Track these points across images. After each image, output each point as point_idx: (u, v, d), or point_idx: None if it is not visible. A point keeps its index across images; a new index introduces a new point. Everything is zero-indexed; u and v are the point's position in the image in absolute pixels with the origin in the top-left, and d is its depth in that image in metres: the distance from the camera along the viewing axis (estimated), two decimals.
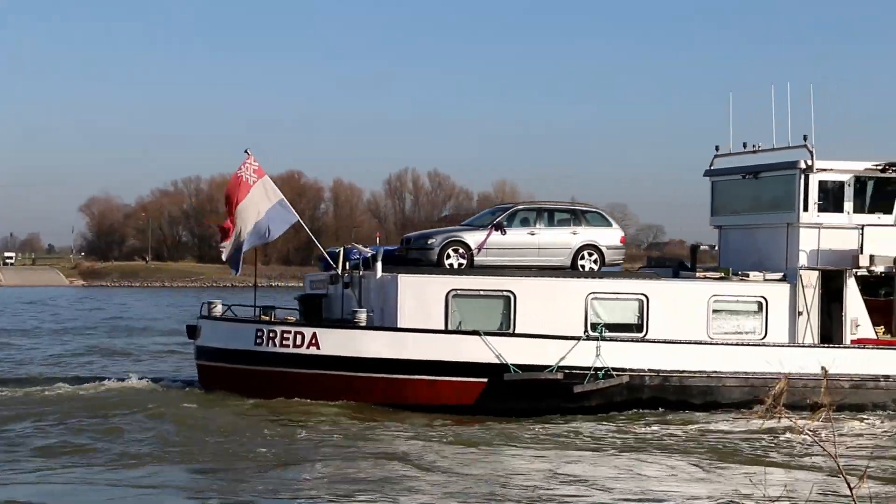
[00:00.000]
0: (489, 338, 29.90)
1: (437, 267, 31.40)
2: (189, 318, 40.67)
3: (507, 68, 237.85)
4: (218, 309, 32.65)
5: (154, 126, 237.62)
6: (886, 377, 30.86)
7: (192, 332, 32.89)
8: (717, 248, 36.02)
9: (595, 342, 30.11)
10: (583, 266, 32.04)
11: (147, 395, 31.16)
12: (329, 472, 22.48)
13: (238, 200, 31.57)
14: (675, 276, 33.52)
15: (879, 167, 32.53)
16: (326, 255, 32.55)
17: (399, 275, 30.78)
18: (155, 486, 20.95)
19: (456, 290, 30.61)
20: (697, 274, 33.01)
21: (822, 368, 9.56)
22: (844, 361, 30.62)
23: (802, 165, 32.16)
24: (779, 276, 32.09)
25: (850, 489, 8.07)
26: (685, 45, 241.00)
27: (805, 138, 32.36)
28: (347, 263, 32.31)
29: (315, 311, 32.68)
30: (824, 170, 32.27)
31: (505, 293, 30.70)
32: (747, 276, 32.16)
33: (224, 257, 31.67)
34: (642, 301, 31.07)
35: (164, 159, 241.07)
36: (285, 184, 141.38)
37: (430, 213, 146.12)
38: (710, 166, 35.66)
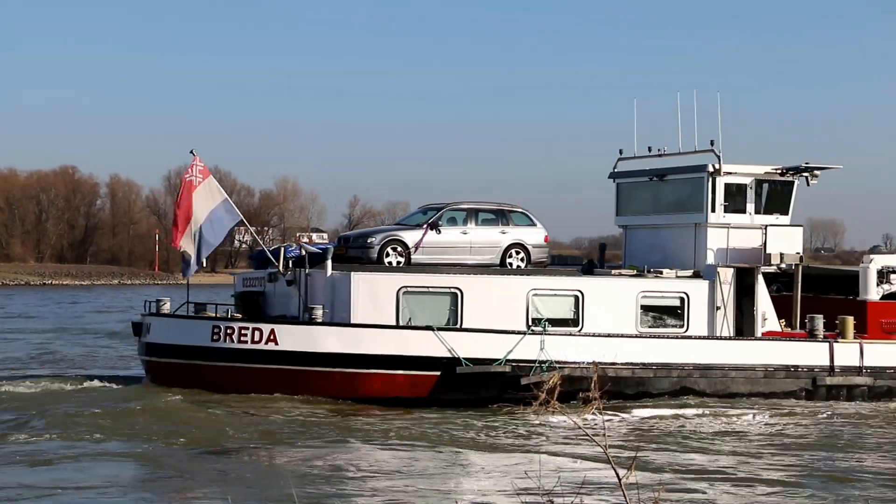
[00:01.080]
0: (442, 333, 31.52)
1: (376, 264, 32.85)
2: None
3: (303, 62, 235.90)
4: (167, 306, 33.39)
5: None
6: (796, 367, 33.60)
7: (138, 329, 33.51)
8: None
9: (539, 336, 32.00)
10: (510, 264, 33.98)
11: (111, 393, 31.76)
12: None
13: (188, 203, 32.34)
14: (588, 273, 35.65)
15: (778, 171, 35.42)
16: (270, 254, 33.56)
17: (352, 272, 32.10)
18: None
19: (406, 286, 32.13)
20: (613, 272, 35.28)
21: (593, 363, 9.00)
22: (759, 352, 33.37)
23: (710, 169, 34.74)
24: (689, 273, 34.60)
25: (619, 479, 8.00)
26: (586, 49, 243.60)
27: (712, 143, 34.96)
28: (290, 262, 33.41)
29: (254, 308, 33.69)
30: (729, 173, 34.94)
31: (453, 290, 32.36)
32: (661, 273, 34.57)
33: (185, 257, 32.46)
34: (578, 297, 33.15)
35: None
36: (59, 179, 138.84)
37: None
38: (614, 169, 37.96)
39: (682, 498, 20.49)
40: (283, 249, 33.91)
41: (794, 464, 24.72)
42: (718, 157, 34.73)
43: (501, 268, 33.64)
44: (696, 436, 28.15)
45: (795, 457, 25.53)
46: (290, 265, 33.27)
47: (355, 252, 33.34)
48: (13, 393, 31.46)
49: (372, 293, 32.05)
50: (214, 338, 31.88)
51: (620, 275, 34.72)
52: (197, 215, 32.35)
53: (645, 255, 36.41)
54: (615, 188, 37.99)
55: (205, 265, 33.28)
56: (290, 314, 32.93)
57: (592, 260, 37.53)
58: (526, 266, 34.03)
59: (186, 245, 32.23)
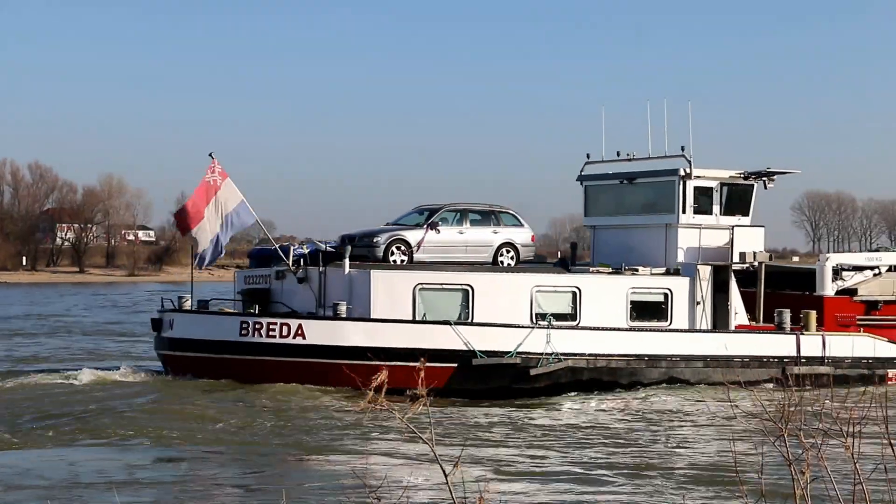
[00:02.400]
0: (458, 327, 33.44)
1: (382, 263, 34.59)
2: None
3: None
4: (188, 304, 34.48)
5: None
6: (768, 358, 36.50)
7: (158, 324, 34.53)
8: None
9: (545, 330, 34.19)
10: (502, 262, 36.12)
11: (137, 386, 32.70)
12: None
13: (203, 202, 33.61)
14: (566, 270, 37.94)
15: (742, 175, 38.33)
16: (282, 254, 34.95)
17: (371, 270, 33.76)
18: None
19: (422, 283, 33.94)
20: (591, 269, 37.68)
21: (421, 359, 8.59)
22: (735, 344, 36.21)
23: (682, 173, 37.45)
24: (661, 270, 37.24)
25: (445, 475, 7.79)
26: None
27: (683, 149, 37.65)
28: (299, 260, 34.88)
29: (262, 304, 35.08)
30: (698, 177, 37.71)
31: (464, 286, 34.29)
32: (636, 270, 37.12)
33: (200, 252, 33.67)
34: (576, 293, 35.44)
35: None
36: None
37: (32, 207, 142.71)
38: (581, 172, 40.38)
39: (509, 492, 20.46)
40: (291, 249, 35.32)
41: (613, 460, 24.56)
42: (689, 161, 37.38)
43: (506, 266, 35.69)
44: (541, 432, 28.28)
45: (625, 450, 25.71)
46: (302, 263, 34.73)
47: (361, 251, 34.90)
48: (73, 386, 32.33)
49: (390, 290, 33.74)
50: (243, 332, 33.14)
51: (598, 272, 37.07)
52: (218, 214, 33.63)
53: (613, 253, 38.77)
54: (583, 190, 40.35)
55: (222, 256, 34.53)
56: (304, 310, 34.32)
57: (565, 258, 39.82)
58: (516, 264, 36.17)
59: (200, 238, 33.45)
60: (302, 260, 34.86)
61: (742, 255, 36.88)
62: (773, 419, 8.90)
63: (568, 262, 39.04)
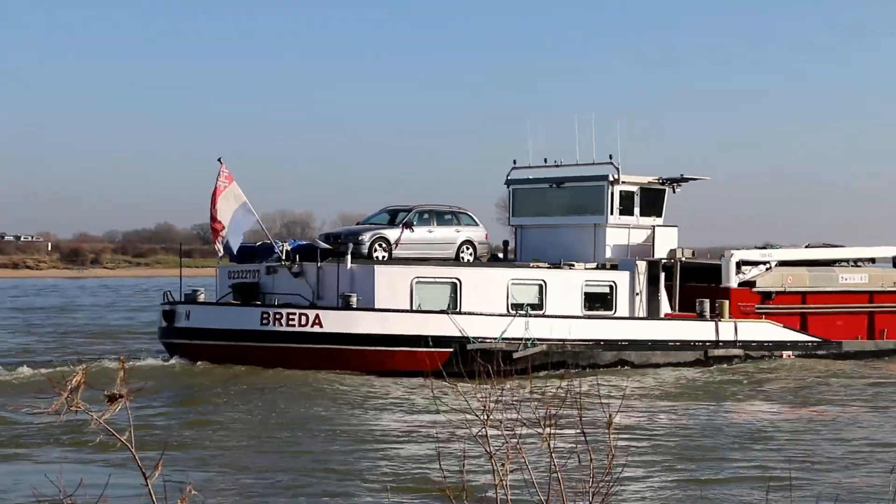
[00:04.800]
0: (454, 316, 36.84)
1: (367, 259, 37.65)
2: None
3: None
4: (202, 296, 36.57)
5: None
6: (693, 342, 41.34)
7: (170, 315, 36.40)
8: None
9: (524, 318, 37.97)
10: (462, 258, 39.72)
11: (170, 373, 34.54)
12: None
13: (216, 204, 36.02)
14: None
15: (658, 180, 43.17)
16: (279, 250, 37.46)
17: (374, 265, 36.82)
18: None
19: (419, 277, 37.18)
20: (531, 264, 41.62)
21: (120, 358, 8.13)
22: (668, 330, 40.94)
23: (611, 178, 41.98)
24: (594, 265, 41.59)
25: (145, 478, 7.36)
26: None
27: (611, 157, 42.20)
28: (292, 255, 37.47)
29: (253, 297, 37.50)
30: (624, 182, 42.31)
31: (454, 279, 37.70)
32: (572, 265, 41.33)
33: (220, 251, 36.02)
34: (542, 285, 39.35)
35: None
36: None
37: None
38: (508, 176, 44.30)
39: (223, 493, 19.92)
40: (283, 245, 37.87)
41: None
42: (617, 168, 41.94)
43: (488, 261, 39.34)
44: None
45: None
46: (297, 259, 37.37)
47: (347, 248, 37.75)
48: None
49: (390, 283, 36.82)
50: (264, 322, 35.51)
51: (537, 267, 41.06)
52: (222, 215, 35.94)
53: (540, 251, 42.86)
54: (510, 193, 44.28)
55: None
56: (300, 303, 36.86)
57: (497, 255, 43.64)
58: (473, 260, 39.81)
59: (223, 240, 35.85)
60: (297, 256, 37.38)
61: (672, 252, 41.63)
62: (476, 413, 9.16)
63: (499, 258, 42.95)
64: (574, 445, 9.29)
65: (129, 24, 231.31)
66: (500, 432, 9.06)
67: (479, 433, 8.94)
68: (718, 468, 22.32)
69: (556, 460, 8.82)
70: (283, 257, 37.40)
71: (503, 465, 8.87)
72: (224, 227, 35.89)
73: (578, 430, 9.01)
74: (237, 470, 22.02)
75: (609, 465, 8.91)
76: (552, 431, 8.92)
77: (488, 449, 8.81)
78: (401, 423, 27.92)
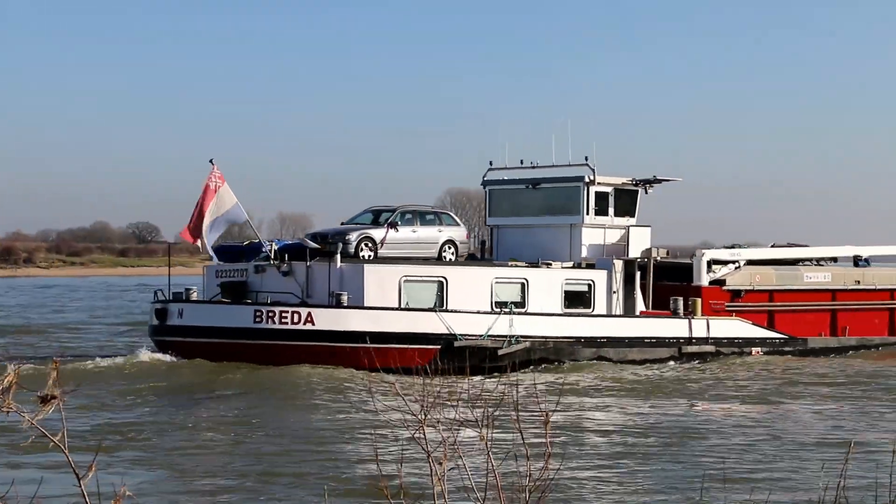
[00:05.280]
0: (442, 314, 37.64)
1: (353, 258, 38.36)
2: None
3: None
4: (195, 295, 37.08)
5: None
6: (668, 338, 42.44)
7: (162, 313, 36.88)
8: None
9: (508, 316, 38.84)
10: (444, 257, 40.57)
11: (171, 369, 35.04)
12: None
13: (207, 202, 36.60)
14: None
15: (632, 181, 44.23)
16: (267, 250, 38.08)
17: (364, 265, 37.55)
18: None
19: (407, 275, 37.95)
20: (510, 263, 42.49)
21: (53, 360, 7.34)
22: (644, 327, 41.99)
23: (587, 179, 42.97)
24: (570, 264, 42.56)
25: (78, 479, 7.11)
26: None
27: (587, 159, 43.20)
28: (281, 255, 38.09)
29: (242, 296, 38.11)
30: (599, 183, 43.32)
31: (440, 278, 38.51)
32: (549, 264, 42.26)
33: (202, 247, 36.63)
34: (524, 284, 40.24)
35: None
36: None
37: None
38: (484, 177, 45.18)
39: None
40: (271, 245, 38.50)
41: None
42: (593, 170, 42.94)
43: (471, 260, 40.15)
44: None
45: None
46: (286, 258, 38.02)
47: (335, 247, 38.45)
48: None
49: (380, 281, 37.57)
50: (257, 320, 36.10)
51: (515, 266, 41.95)
52: (215, 213, 36.58)
53: (516, 250, 43.78)
54: (486, 194, 45.16)
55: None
56: (287, 301, 37.46)
57: (474, 254, 44.49)
58: (455, 259, 40.65)
59: (204, 239, 36.45)
60: (286, 255, 38.02)
61: (647, 251, 42.70)
62: (413, 411, 9.08)
63: (476, 257, 43.81)
64: (511, 444, 9.16)
65: (128, 24, 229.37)
66: (439, 432, 8.93)
67: (416, 433, 8.84)
68: (658, 465, 22.46)
69: (493, 459, 8.75)
70: (272, 257, 37.96)
71: (440, 464, 8.83)
72: (206, 229, 36.44)
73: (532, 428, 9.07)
74: (178, 473, 21.56)
75: (546, 464, 8.90)
76: (491, 431, 8.95)
77: (426, 448, 8.76)
78: (348, 423, 27.55)
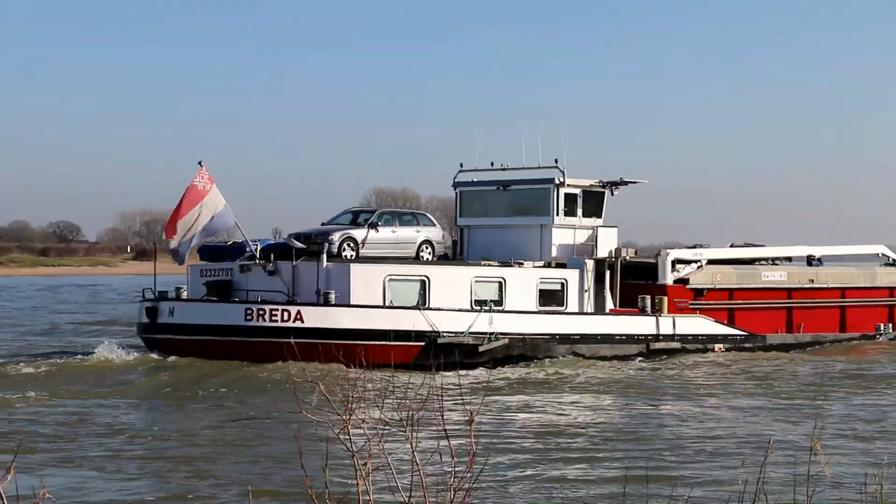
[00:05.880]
0: (426, 311, 38.59)
1: (336, 258, 39.21)
2: None
3: None
4: (185, 293, 37.72)
5: None
6: (637, 335, 43.69)
7: (153, 312, 37.47)
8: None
9: (488, 313, 39.87)
10: (422, 256, 41.56)
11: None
12: None
13: (192, 203, 37.20)
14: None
15: (599, 183, 45.45)
16: (251, 250, 38.84)
17: (350, 264, 38.43)
18: None
19: (391, 274, 38.85)
20: (483, 262, 43.51)
21: None
22: (615, 325, 43.21)
23: (557, 181, 44.14)
24: (541, 263, 43.67)
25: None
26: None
27: (556, 161, 44.36)
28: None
29: (228, 294, 38.83)
30: (568, 185, 44.48)
31: (423, 277, 39.45)
32: (521, 264, 43.34)
33: (172, 247, 37.18)
34: (502, 282, 41.29)
35: None
36: None
37: None
38: (455, 179, 46.17)
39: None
40: (258, 245, 39.27)
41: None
42: (563, 172, 44.11)
43: (449, 259, 41.13)
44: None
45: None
46: (272, 258, 38.80)
47: (318, 247, 39.27)
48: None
49: (365, 280, 38.43)
50: (248, 318, 36.83)
51: (489, 265, 42.98)
52: (203, 214, 37.21)
53: (486, 250, 44.83)
54: (457, 195, 46.14)
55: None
56: (273, 299, 38.17)
57: (447, 254, 45.44)
58: (433, 259, 41.66)
59: (178, 239, 37.01)
60: (272, 255, 38.79)
61: (617, 251, 43.97)
62: (339, 412, 9.09)
63: (449, 257, 44.80)
64: (436, 444, 9.16)
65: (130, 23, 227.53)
66: (364, 431, 9.00)
67: (341, 432, 8.90)
68: (584, 464, 22.32)
69: (418, 459, 8.80)
70: (259, 256, 38.66)
71: (365, 464, 8.93)
72: (185, 231, 36.93)
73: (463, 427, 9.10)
74: (104, 475, 21.25)
75: (471, 463, 8.98)
76: (417, 431, 8.99)
77: (350, 448, 8.85)
78: (273, 424, 26.91)
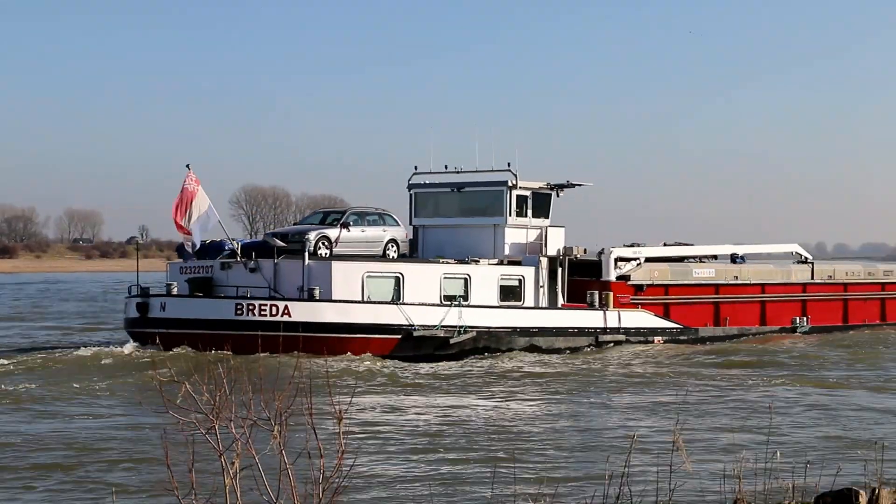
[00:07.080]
0: (402, 306, 40.68)
1: (312, 256, 41.13)
2: None
3: None
4: (175, 290, 39.27)
5: None
6: (587, 329, 46.23)
7: (144, 307, 38.97)
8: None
9: (458, 308, 42.08)
10: (388, 254, 43.66)
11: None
12: None
13: (188, 203, 39.02)
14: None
15: (547, 185, 47.93)
16: (236, 248, 40.57)
17: (332, 262, 40.36)
18: None
19: (369, 271, 40.88)
20: (440, 260, 45.66)
21: None
22: (567, 319, 45.71)
23: (510, 183, 46.51)
24: (496, 261, 45.99)
25: None
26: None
27: (509, 164, 46.77)
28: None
29: (209, 290, 40.50)
30: (520, 187, 46.88)
31: (397, 274, 41.53)
32: (477, 261, 45.62)
33: (189, 248, 38.93)
34: (467, 279, 43.52)
35: None
36: None
37: None
38: (409, 181, 48.26)
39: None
40: (238, 244, 40.99)
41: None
42: (515, 175, 46.51)
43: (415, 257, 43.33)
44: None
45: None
46: (253, 255, 40.57)
47: (294, 245, 41.12)
48: None
49: (346, 277, 40.38)
50: (238, 312, 38.53)
51: (445, 263, 45.18)
52: (194, 213, 39.00)
53: (440, 248, 46.99)
54: (411, 196, 48.22)
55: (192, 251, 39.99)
56: (254, 295, 39.88)
57: (403, 253, 47.45)
58: (398, 257, 43.79)
59: (192, 235, 38.82)
60: (252, 253, 40.55)
61: (567, 249, 46.48)
62: (205, 411, 8.98)
63: (405, 255, 46.90)
64: (305, 439, 9.21)
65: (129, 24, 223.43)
66: (231, 430, 8.97)
67: (208, 431, 8.81)
68: (461, 461, 22.09)
69: (286, 457, 8.81)
70: (240, 254, 40.37)
71: (233, 463, 8.90)
72: (190, 230, 38.78)
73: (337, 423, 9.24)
74: None
75: (339, 462, 9.00)
76: (285, 429, 9.06)
77: (217, 447, 8.80)
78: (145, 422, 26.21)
